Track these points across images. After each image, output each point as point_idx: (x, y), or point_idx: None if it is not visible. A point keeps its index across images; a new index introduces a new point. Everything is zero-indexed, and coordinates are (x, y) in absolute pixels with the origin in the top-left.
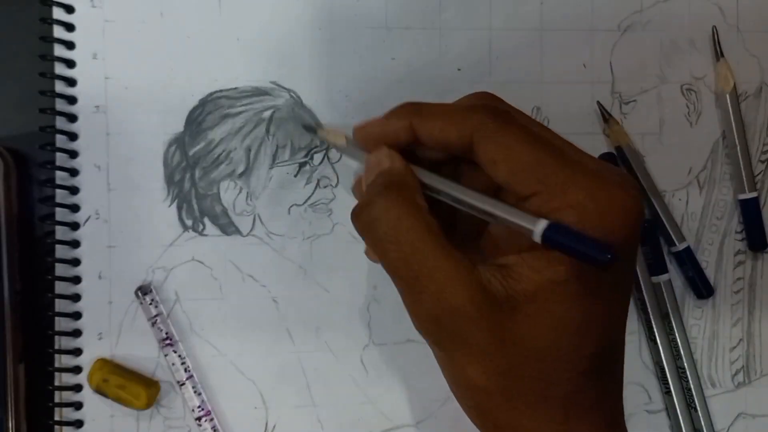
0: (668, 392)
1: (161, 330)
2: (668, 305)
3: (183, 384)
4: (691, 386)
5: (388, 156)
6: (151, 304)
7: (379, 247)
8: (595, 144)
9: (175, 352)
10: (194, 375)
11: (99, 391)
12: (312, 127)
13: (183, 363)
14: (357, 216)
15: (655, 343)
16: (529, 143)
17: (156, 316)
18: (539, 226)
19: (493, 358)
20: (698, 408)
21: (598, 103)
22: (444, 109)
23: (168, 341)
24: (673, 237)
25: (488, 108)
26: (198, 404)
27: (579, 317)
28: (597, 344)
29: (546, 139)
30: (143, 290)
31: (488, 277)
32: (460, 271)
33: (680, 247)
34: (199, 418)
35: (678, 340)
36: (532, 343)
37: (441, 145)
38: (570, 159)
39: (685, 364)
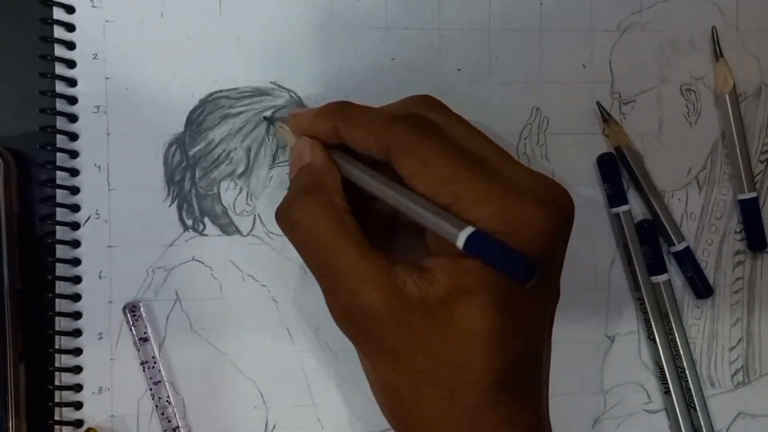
0: (668, 392)
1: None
2: (667, 305)
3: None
4: (691, 386)
5: (309, 148)
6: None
7: (299, 247)
8: (595, 144)
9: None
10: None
11: None
12: (271, 120)
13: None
14: (279, 217)
15: (655, 342)
16: (446, 156)
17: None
18: (464, 233)
19: (404, 361)
20: (698, 408)
21: (598, 103)
22: (366, 117)
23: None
24: (673, 237)
25: (410, 119)
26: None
27: (487, 330)
28: (507, 358)
29: (467, 152)
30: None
31: (404, 278)
32: (374, 272)
33: (679, 247)
34: None
35: (677, 340)
36: (441, 351)
37: (364, 151)
38: (490, 172)
39: (685, 364)
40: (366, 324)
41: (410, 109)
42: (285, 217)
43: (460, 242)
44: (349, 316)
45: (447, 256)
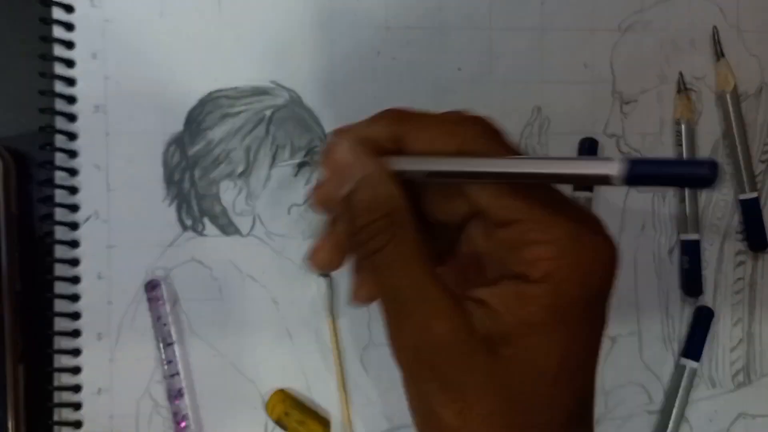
0: None
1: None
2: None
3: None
4: None
5: (359, 157)
6: (159, 301)
7: (373, 271)
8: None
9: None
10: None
11: (279, 422)
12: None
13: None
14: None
15: None
16: None
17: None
18: (615, 167)
19: (472, 403)
20: None
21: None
22: (433, 118)
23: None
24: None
25: (480, 122)
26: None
27: (557, 366)
28: (573, 395)
29: None
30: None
31: (472, 311)
32: (447, 303)
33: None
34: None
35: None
36: (510, 391)
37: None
38: (555, 196)
39: None
40: (434, 360)
41: (468, 115)
42: (366, 246)
43: (618, 179)
44: (415, 348)
45: (493, 284)
